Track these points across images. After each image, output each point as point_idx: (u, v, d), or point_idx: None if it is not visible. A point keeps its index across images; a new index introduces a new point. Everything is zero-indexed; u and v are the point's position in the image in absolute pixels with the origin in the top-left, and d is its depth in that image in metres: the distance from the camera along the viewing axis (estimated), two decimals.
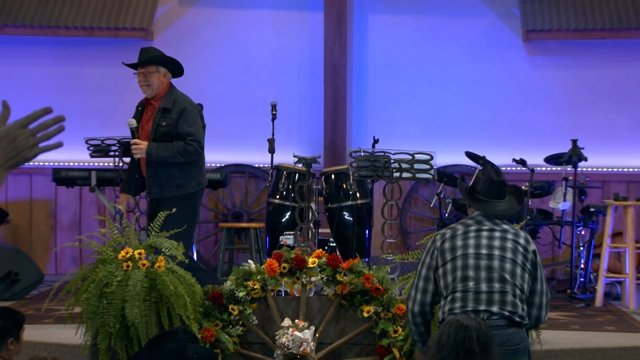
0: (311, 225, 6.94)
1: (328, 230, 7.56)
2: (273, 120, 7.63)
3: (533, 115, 10.01)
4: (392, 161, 6.79)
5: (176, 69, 6.76)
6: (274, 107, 7.71)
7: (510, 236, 4.55)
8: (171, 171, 6.56)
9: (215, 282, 6.26)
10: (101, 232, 6.04)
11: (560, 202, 8.47)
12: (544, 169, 9.43)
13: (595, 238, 8.49)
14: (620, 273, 8.30)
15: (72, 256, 10.01)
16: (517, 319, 4.38)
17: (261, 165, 9.84)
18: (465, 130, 9.86)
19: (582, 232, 8.54)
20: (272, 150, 7.43)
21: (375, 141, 8.14)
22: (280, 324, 5.79)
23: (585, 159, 8.37)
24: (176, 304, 5.52)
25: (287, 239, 6.78)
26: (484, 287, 4.40)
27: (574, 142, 8.35)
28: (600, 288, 8.02)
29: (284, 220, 7.35)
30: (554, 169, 9.27)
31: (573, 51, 10.02)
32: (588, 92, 10.03)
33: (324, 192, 7.38)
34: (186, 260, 5.72)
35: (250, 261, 6.17)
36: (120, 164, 8.17)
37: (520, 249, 4.52)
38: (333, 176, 7.41)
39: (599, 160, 9.67)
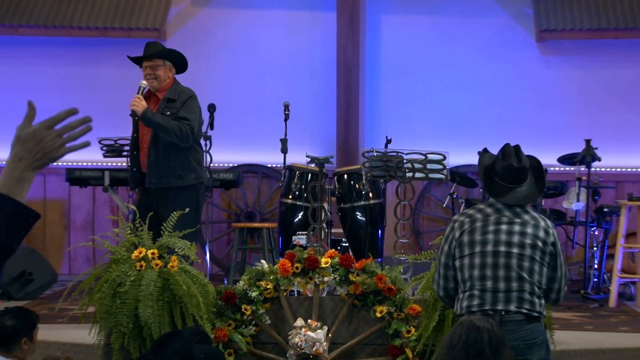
0: (324, 225, 6.93)
1: (341, 231, 7.55)
2: (286, 120, 7.64)
3: (546, 115, 9.99)
4: (404, 161, 6.79)
5: (181, 64, 6.81)
6: (286, 107, 7.72)
7: (529, 230, 4.47)
8: (171, 162, 6.59)
9: None
10: (114, 232, 6.05)
11: (574, 202, 8.44)
12: (557, 169, 9.40)
13: (609, 238, 8.46)
14: (634, 273, 8.27)
15: (85, 256, 10.04)
16: (535, 314, 4.39)
17: (274, 165, 9.85)
18: (478, 130, 9.84)
19: (596, 233, 8.51)
20: (284, 150, 7.44)
21: (388, 141, 8.13)
22: (293, 324, 5.79)
23: (599, 159, 8.34)
24: (189, 304, 5.52)
25: (300, 239, 6.77)
26: (501, 286, 4.39)
27: (588, 142, 8.32)
28: (614, 288, 7.99)
29: (296, 220, 7.34)
30: (567, 169, 9.25)
31: (587, 51, 9.99)
32: (602, 92, 10.00)
33: (337, 192, 7.38)
34: (200, 260, 5.73)
35: (263, 261, 6.17)
36: None
37: (540, 243, 4.45)
38: (346, 176, 7.40)
39: (612, 160, 9.63)
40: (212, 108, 7.70)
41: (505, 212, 4.54)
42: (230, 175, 8.91)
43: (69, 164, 9.63)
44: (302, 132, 9.78)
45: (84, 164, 9.71)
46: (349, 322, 5.96)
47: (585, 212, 8.32)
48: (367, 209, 7.28)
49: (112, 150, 8.47)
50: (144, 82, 6.66)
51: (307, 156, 7.03)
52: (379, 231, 7.34)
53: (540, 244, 4.46)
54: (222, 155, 9.33)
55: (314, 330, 5.70)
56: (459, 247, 4.53)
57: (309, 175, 7.35)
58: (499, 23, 10.08)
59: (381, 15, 10.20)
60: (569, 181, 9.05)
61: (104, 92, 10.02)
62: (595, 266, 8.30)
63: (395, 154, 6.85)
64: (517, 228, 4.48)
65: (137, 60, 6.80)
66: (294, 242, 6.71)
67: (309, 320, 5.79)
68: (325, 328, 5.78)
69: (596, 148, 8.32)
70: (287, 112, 7.69)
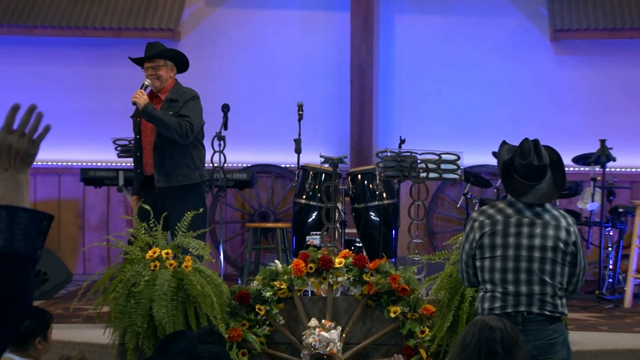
0: (337, 225, 6.93)
1: (354, 231, 7.55)
2: (299, 120, 7.64)
3: (561, 115, 9.95)
4: (418, 161, 6.78)
5: (182, 64, 6.83)
6: (300, 107, 7.72)
7: (551, 231, 4.44)
8: (177, 160, 6.60)
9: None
10: (129, 232, 6.07)
11: (589, 203, 8.41)
12: (571, 169, 9.37)
13: (624, 239, 8.43)
14: None
15: (99, 256, 10.06)
16: (557, 315, 4.40)
17: (288, 166, 9.85)
18: (492, 130, 9.80)
19: (611, 233, 8.48)
20: (298, 151, 7.44)
21: (402, 141, 8.12)
22: (307, 324, 5.79)
23: (614, 159, 8.31)
24: (203, 304, 5.53)
25: (314, 239, 6.77)
26: (523, 289, 4.39)
27: (602, 142, 8.29)
28: (629, 289, 7.96)
29: (310, 220, 7.34)
30: (582, 169, 9.21)
31: (601, 51, 9.95)
32: (617, 92, 9.96)
33: (351, 192, 7.38)
34: (214, 260, 5.74)
35: (276, 261, 6.18)
36: None
37: (561, 244, 4.43)
38: (359, 176, 7.40)
39: (627, 160, 9.59)
40: (226, 108, 7.71)
41: (526, 213, 4.50)
42: (244, 176, 8.92)
43: (84, 164, 9.67)
44: (316, 132, 9.78)
45: (99, 164, 9.75)
46: (363, 322, 5.96)
47: (600, 213, 8.29)
48: (380, 209, 7.27)
49: (126, 150, 8.49)
50: (148, 80, 6.68)
51: (321, 156, 7.03)
52: (393, 231, 7.33)
53: (561, 245, 4.44)
54: (236, 155, 9.33)
55: (327, 330, 5.70)
56: (480, 248, 4.51)
57: (323, 175, 7.35)
58: (513, 23, 10.06)
59: (395, 15, 10.19)
60: (583, 181, 9.01)
61: (118, 92, 10.03)
62: (610, 267, 8.27)
63: (409, 154, 6.84)
64: (538, 230, 4.46)
65: (139, 61, 6.82)
66: (308, 242, 6.72)
67: (323, 321, 5.79)
68: (339, 328, 5.78)
69: (611, 148, 8.29)
70: (301, 112, 7.69)
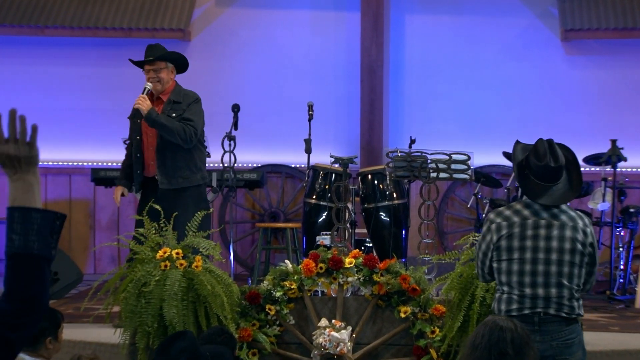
0: (348, 225, 6.93)
1: (365, 231, 7.54)
2: (310, 120, 7.65)
3: (572, 115, 9.93)
4: (429, 161, 6.77)
5: (181, 65, 6.85)
6: (310, 107, 7.73)
7: (568, 233, 4.43)
8: (179, 162, 6.63)
9: None
10: (139, 232, 6.07)
11: (599, 203, 8.39)
12: (582, 169, 9.30)
13: (635, 239, 8.41)
14: None
15: (110, 256, 10.08)
16: (574, 316, 4.41)
17: (298, 166, 9.85)
18: (502, 130, 9.79)
19: (622, 233, 8.46)
20: (308, 151, 7.45)
21: (412, 141, 8.11)
22: (317, 324, 5.79)
23: (625, 159, 8.29)
24: (213, 304, 5.53)
25: (324, 239, 6.77)
26: (540, 292, 4.39)
27: (613, 142, 8.27)
28: None
29: (320, 220, 7.35)
30: (592, 169, 9.19)
31: (612, 50, 9.92)
32: (628, 92, 9.93)
33: (361, 192, 7.37)
34: (224, 260, 5.74)
35: (287, 261, 6.17)
36: None
37: (579, 246, 4.42)
38: (369, 176, 7.39)
39: (638, 160, 9.56)
40: (236, 108, 7.71)
41: (543, 214, 4.49)
42: (254, 176, 8.93)
43: (94, 164, 9.69)
44: (326, 132, 9.78)
45: (109, 164, 9.76)
46: (373, 323, 5.96)
47: (611, 213, 8.27)
48: (391, 209, 7.26)
49: None
50: (149, 84, 6.69)
51: (331, 156, 7.03)
52: (403, 231, 7.33)
53: (579, 246, 4.43)
54: (246, 155, 9.34)
55: (338, 330, 5.70)
56: (497, 250, 4.51)
57: (333, 175, 7.35)
58: (524, 23, 10.04)
59: (405, 15, 10.19)
60: (594, 181, 9.00)
61: (129, 92, 10.01)
62: (621, 267, 8.25)
63: (419, 154, 6.84)
64: (555, 232, 4.44)
65: (139, 64, 6.83)
66: (318, 242, 6.71)
67: (333, 321, 5.79)
68: (350, 328, 5.78)
69: (622, 148, 8.27)
70: (311, 112, 7.69)
